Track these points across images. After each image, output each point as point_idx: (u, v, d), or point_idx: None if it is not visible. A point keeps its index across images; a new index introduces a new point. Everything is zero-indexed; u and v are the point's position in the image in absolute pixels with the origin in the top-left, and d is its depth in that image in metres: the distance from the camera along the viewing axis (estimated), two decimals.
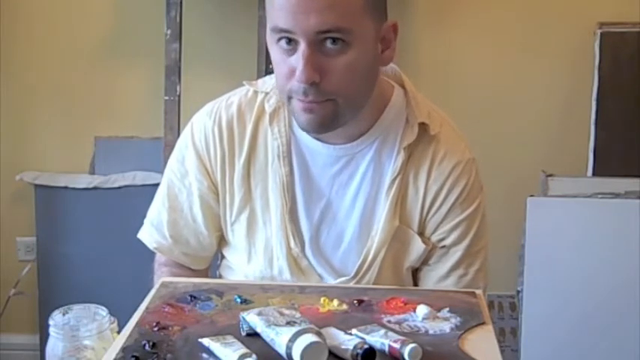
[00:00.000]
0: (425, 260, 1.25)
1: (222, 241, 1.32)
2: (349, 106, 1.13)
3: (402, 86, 1.26)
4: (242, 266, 1.28)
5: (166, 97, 2.20)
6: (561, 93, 2.52)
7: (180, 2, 2.18)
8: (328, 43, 1.07)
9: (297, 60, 1.07)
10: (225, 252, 1.32)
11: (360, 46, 1.09)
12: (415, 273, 1.28)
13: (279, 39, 1.09)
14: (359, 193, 1.22)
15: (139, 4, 2.52)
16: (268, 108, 1.23)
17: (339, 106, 1.11)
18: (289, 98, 1.12)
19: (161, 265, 1.33)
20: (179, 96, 2.19)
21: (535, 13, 2.49)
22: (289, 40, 1.08)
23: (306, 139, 1.22)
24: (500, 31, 2.51)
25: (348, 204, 1.22)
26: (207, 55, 2.53)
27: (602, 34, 2.39)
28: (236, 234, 1.27)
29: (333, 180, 1.22)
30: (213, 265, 1.38)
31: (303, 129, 1.16)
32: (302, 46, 1.07)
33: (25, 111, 2.62)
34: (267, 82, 1.26)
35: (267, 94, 1.24)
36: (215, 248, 1.32)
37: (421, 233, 1.23)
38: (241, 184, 1.24)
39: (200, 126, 1.26)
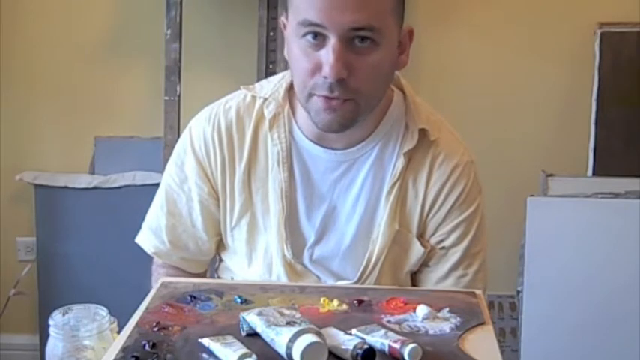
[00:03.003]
0: (424, 262, 1.26)
1: (220, 245, 1.32)
2: (367, 105, 1.13)
3: (401, 90, 1.26)
4: (242, 270, 1.28)
5: (166, 97, 2.20)
6: (561, 93, 2.52)
7: (180, 2, 2.18)
8: (357, 42, 1.07)
9: (327, 55, 1.07)
10: (224, 256, 1.32)
11: (386, 47, 1.10)
12: (414, 274, 1.28)
13: (306, 33, 1.09)
14: (360, 198, 1.22)
15: (139, 4, 2.52)
16: (268, 114, 1.23)
17: (359, 106, 1.12)
18: (310, 95, 1.12)
19: (159, 267, 1.33)
20: (179, 96, 2.19)
21: (535, 13, 2.49)
22: (316, 35, 1.08)
23: (306, 145, 1.22)
24: (500, 31, 2.51)
25: (349, 209, 1.23)
26: (207, 55, 2.53)
27: (602, 34, 2.39)
28: (236, 239, 1.27)
29: (335, 185, 1.22)
30: (211, 267, 1.38)
31: (322, 128, 1.15)
32: (332, 42, 1.06)
33: (25, 111, 2.62)
34: (265, 87, 1.26)
35: (265, 99, 1.24)
36: (214, 252, 1.33)
37: (420, 235, 1.24)
38: (242, 190, 1.24)
39: (199, 132, 1.26)
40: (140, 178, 2.51)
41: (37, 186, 2.55)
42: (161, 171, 2.19)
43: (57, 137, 2.63)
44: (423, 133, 1.21)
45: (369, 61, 1.09)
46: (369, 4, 1.06)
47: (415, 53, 2.49)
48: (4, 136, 2.62)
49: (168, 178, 1.30)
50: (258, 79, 2.35)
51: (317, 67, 1.09)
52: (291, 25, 1.12)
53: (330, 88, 1.08)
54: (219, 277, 1.35)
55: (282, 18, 1.17)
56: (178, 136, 2.13)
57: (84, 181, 2.53)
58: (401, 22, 1.14)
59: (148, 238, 1.32)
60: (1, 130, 2.62)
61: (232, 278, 1.29)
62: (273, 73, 2.29)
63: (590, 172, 2.41)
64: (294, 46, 1.11)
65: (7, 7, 2.55)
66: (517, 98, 2.53)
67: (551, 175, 2.33)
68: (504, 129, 2.54)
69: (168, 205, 1.29)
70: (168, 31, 2.18)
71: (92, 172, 2.59)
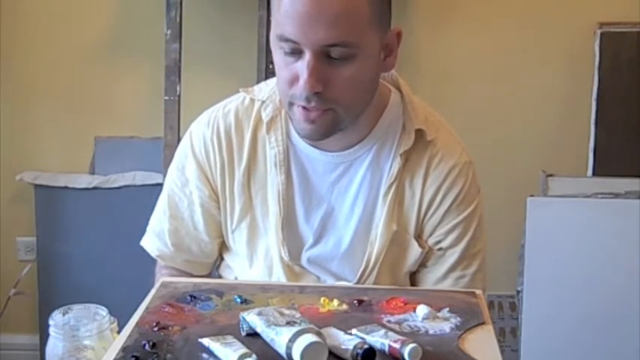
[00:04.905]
0: (422, 262, 1.26)
1: (223, 246, 1.32)
2: (348, 114, 1.13)
3: (399, 89, 1.26)
4: (243, 271, 1.28)
5: (166, 97, 2.19)
6: (561, 93, 2.52)
7: (180, 2, 2.17)
8: (333, 54, 1.07)
9: (302, 68, 1.07)
10: (226, 256, 1.32)
11: (364, 58, 1.09)
12: (413, 275, 1.28)
13: (283, 46, 1.09)
14: (357, 199, 1.22)
15: (139, 4, 2.52)
16: (265, 117, 1.23)
17: (338, 115, 1.12)
18: (291, 104, 1.12)
19: (162, 269, 1.33)
20: (179, 96, 2.19)
21: (535, 13, 2.49)
22: (293, 48, 1.08)
23: (304, 147, 1.22)
24: (500, 31, 2.51)
25: (347, 210, 1.23)
26: (207, 55, 2.53)
27: (602, 34, 2.39)
28: (237, 241, 1.27)
29: (333, 187, 1.23)
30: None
31: (303, 137, 1.17)
32: (307, 57, 1.06)
33: (25, 111, 2.62)
34: (264, 90, 1.26)
35: (263, 102, 1.24)
36: (217, 254, 1.33)
37: (418, 236, 1.24)
38: (242, 192, 1.24)
39: (199, 135, 1.26)
40: (140, 178, 2.51)
41: (37, 186, 2.55)
42: (161, 171, 2.21)
43: (57, 137, 2.63)
44: (419, 133, 1.21)
45: (345, 74, 1.08)
46: (342, 20, 1.04)
47: (415, 53, 2.49)
48: (4, 136, 2.62)
49: (170, 182, 1.30)
50: (258, 80, 2.36)
51: (295, 78, 1.09)
52: (272, 34, 1.13)
53: (307, 99, 1.09)
54: (220, 275, 1.35)
55: (272, 19, 1.17)
56: (178, 136, 2.15)
57: (84, 181, 2.53)
58: (384, 28, 1.12)
59: (151, 242, 1.32)
60: (1, 130, 2.62)
61: (236, 278, 1.29)
62: (273, 73, 2.29)
63: (590, 172, 2.41)
64: (276, 55, 1.12)
65: (7, 7, 2.55)
66: (517, 98, 2.53)
67: (551, 175, 2.33)
68: (504, 129, 2.54)
69: (170, 209, 1.29)
70: (168, 31, 2.18)
71: (92, 172, 2.59)
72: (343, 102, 1.11)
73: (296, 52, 1.08)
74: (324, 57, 1.07)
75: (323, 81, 1.07)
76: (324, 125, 1.12)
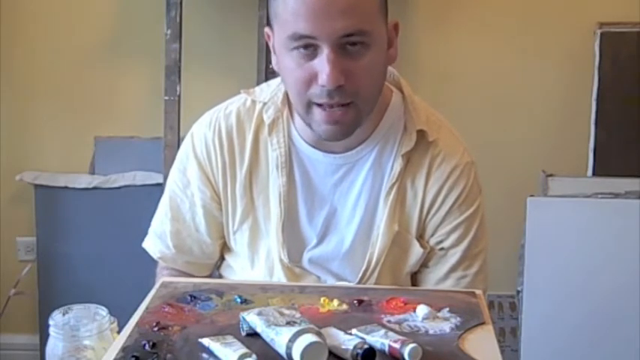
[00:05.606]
0: (424, 262, 1.26)
1: (224, 247, 1.32)
2: (367, 107, 1.14)
3: (400, 90, 1.26)
4: (245, 272, 1.28)
5: (166, 97, 2.20)
6: (561, 93, 2.52)
7: (180, 2, 2.18)
8: (349, 46, 1.07)
9: (321, 64, 1.07)
10: (228, 257, 1.32)
11: (377, 47, 1.10)
12: (414, 275, 1.28)
13: (297, 46, 1.08)
14: (359, 200, 1.22)
15: (139, 4, 2.52)
16: (267, 119, 1.23)
17: (359, 109, 1.12)
18: (309, 105, 1.12)
19: (163, 270, 1.33)
20: (179, 96, 2.19)
21: (535, 13, 2.49)
22: (307, 46, 1.08)
23: (305, 149, 1.23)
24: (500, 31, 2.51)
25: (349, 211, 1.23)
26: (207, 55, 2.53)
27: (602, 34, 2.39)
28: (238, 242, 1.27)
29: (335, 188, 1.23)
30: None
31: (325, 139, 1.16)
32: (326, 51, 1.06)
33: (25, 111, 2.62)
34: (265, 91, 1.26)
35: (265, 104, 1.24)
36: (218, 255, 1.33)
37: (420, 236, 1.24)
38: (243, 194, 1.24)
39: (200, 137, 1.26)
40: (140, 178, 2.51)
41: (37, 186, 2.55)
42: (161, 171, 2.21)
43: (57, 137, 2.63)
44: (421, 133, 1.21)
45: (363, 64, 1.09)
46: (357, 8, 1.06)
47: (415, 53, 2.49)
48: (4, 136, 2.62)
49: (171, 184, 1.30)
50: (258, 80, 2.36)
51: (312, 77, 1.09)
52: (279, 38, 1.12)
53: (329, 95, 1.09)
54: (221, 275, 1.35)
55: (267, 29, 1.17)
56: (178, 136, 2.15)
57: (84, 181, 2.53)
58: (387, 19, 1.14)
59: (153, 243, 1.32)
60: (1, 130, 2.62)
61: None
62: (273, 73, 2.29)
63: (590, 172, 2.41)
64: (286, 59, 1.11)
65: (7, 8, 2.55)
66: (517, 98, 2.53)
67: (551, 175, 2.33)
68: (504, 129, 2.54)
69: (172, 211, 1.29)
70: (168, 31, 2.18)
71: (92, 172, 2.58)
72: (363, 93, 1.11)
73: (310, 50, 1.08)
74: (341, 49, 1.07)
75: (344, 74, 1.07)
76: (347, 124, 1.12)
